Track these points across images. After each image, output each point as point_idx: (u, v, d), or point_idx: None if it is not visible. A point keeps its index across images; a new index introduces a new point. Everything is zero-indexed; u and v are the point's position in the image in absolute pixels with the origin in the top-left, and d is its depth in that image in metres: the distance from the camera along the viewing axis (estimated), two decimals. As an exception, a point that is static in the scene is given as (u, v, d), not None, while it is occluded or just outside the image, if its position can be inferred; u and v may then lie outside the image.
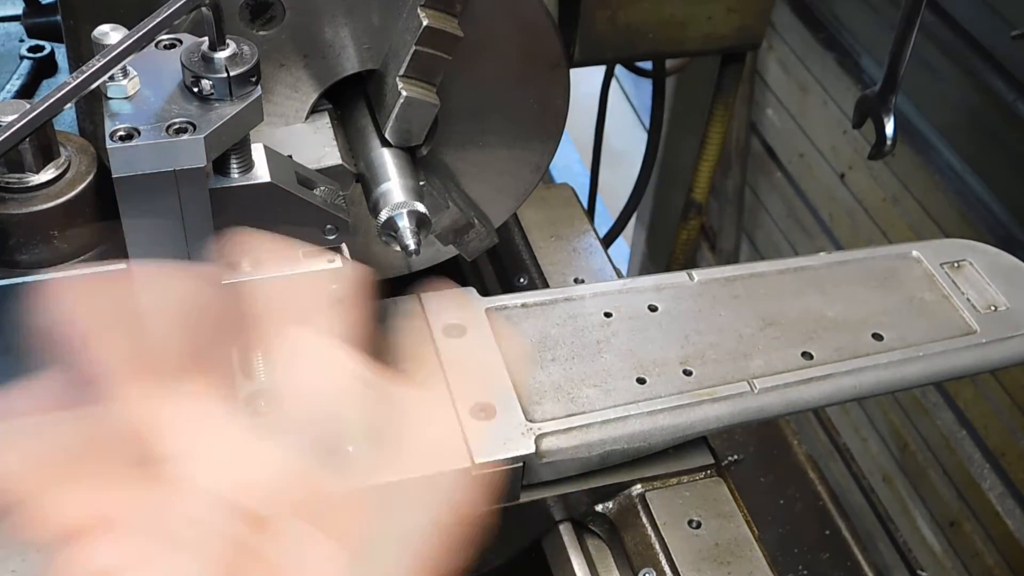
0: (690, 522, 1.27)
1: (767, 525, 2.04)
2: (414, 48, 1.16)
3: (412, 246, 1.12)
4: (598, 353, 1.34)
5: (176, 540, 0.64)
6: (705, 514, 1.28)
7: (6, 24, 1.70)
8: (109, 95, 0.94)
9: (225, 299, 0.76)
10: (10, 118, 0.92)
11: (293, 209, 1.04)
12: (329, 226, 1.07)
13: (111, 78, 0.93)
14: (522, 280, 1.58)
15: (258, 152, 1.03)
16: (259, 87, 0.97)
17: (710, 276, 1.46)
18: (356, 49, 1.21)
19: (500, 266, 1.64)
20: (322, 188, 1.09)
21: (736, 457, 1.53)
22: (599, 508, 1.32)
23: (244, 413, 0.90)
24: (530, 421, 1.25)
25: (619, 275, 1.60)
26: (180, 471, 0.66)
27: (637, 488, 1.31)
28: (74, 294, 0.72)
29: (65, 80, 0.90)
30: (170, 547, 0.64)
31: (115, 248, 1.05)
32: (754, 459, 2.18)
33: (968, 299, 1.46)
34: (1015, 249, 1.57)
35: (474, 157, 1.32)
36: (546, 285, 1.55)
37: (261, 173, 1.02)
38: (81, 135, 1.21)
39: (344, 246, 1.11)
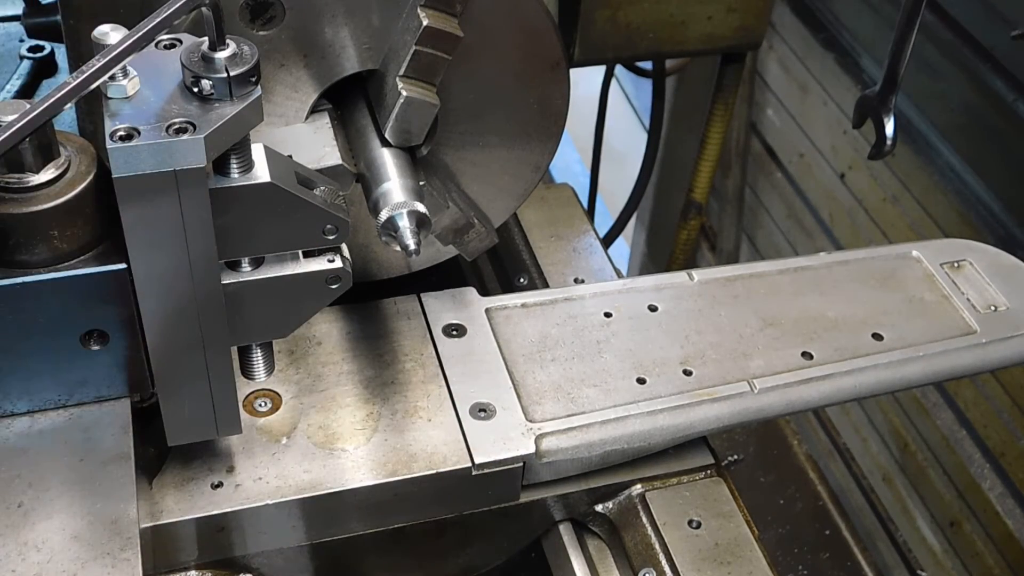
0: (690, 522, 1.27)
1: (767, 525, 2.04)
2: (414, 48, 1.16)
3: (412, 246, 1.12)
4: (598, 353, 1.35)
5: None
6: (705, 514, 1.28)
7: (6, 24, 1.70)
8: (109, 95, 0.94)
9: None
10: (10, 118, 0.92)
11: (293, 209, 1.04)
12: (329, 226, 1.07)
13: (111, 78, 0.93)
14: (522, 280, 1.58)
15: (258, 152, 1.03)
16: (259, 87, 0.97)
17: (710, 276, 1.46)
18: (356, 49, 1.21)
19: (500, 266, 1.64)
20: (322, 188, 1.09)
21: (736, 457, 1.53)
22: (599, 508, 1.32)
23: None
24: (530, 421, 1.26)
25: (619, 275, 1.60)
26: None
27: (637, 488, 1.31)
28: None
29: (65, 80, 0.90)
30: None
31: (115, 248, 1.05)
32: (754, 459, 2.18)
33: (968, 299, 1.46)
34: (1015, 249, 1.57)
35: (474, 157, 1.32)
36: (546, 285, 1.55)
37: (261, 173, 1.02)
38: (81, 135, 1.21)
39: (344, 246, 1.12)
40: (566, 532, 1.33)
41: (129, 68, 0.94)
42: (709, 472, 1.34)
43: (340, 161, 1.21)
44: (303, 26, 1.17)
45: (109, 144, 0.91)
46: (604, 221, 2.92)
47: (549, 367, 1.32)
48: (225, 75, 0.94)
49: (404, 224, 1.14)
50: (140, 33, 0.91)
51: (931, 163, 2.55)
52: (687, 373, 1.32)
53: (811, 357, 1.35)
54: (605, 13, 1.91)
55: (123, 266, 1.04)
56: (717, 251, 3.49)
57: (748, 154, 3.29)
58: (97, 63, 0.90)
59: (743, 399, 1.30)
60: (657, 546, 1.25)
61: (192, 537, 1.17)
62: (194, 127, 0.93)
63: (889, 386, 1.37)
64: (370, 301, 1.40)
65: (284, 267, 1.09)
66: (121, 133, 0.91)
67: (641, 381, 1.31)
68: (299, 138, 1.23)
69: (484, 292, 1.46)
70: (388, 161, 1.21)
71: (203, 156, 0.93)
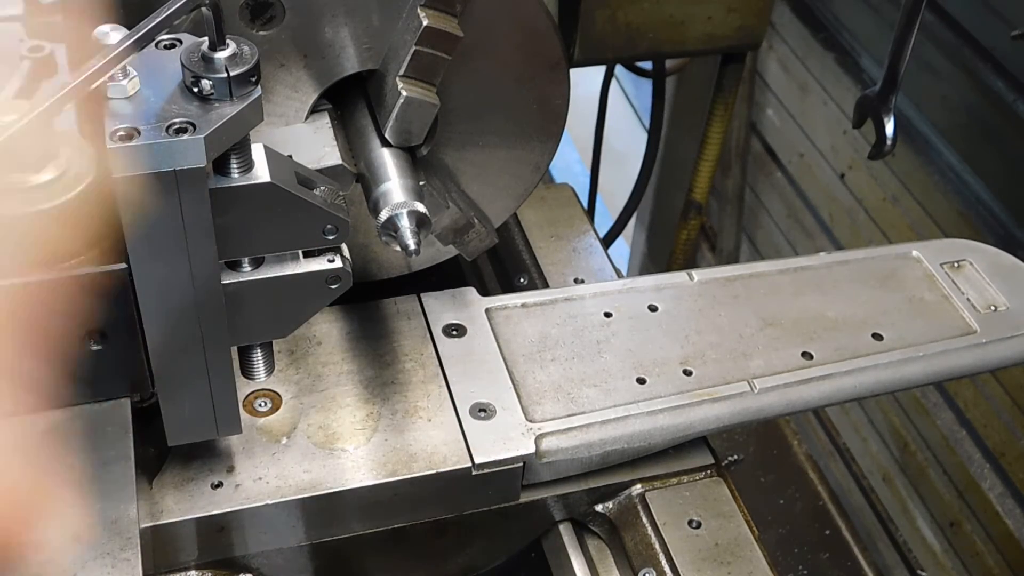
0: (690, 522, 1.27)
1: (767, 525, 2.04)
2: (414, 48, 1.16)
3: (412, 246, 1.12)
4: (598, 353, 1.34)
5: None
6: (705, 514, 1.28)
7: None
8: (109, 95, 0.94)
9: None
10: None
11: (293, 209, 1.04)
12: (329, 226, 1.07)
13: (111, 78, 0.93)
14: (522, 280, 1.58)
15: (258, 152, 1.03)
16: (259, 87, 0.97)
17: (710, 276, 1.46)
18: (356, 49, 1.21)
19: (500, 266, 1.64)
20: (322, 188, 1.09)
21: (736, 457, 1.53)
22: (599, 508, 1.32)
23: None
24: (530, 421, 1.26)
25: (619, 275, 1.60)
26: None
27: (637, 488, 1.31)
28: None
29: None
30: None
31: (114, 248, 1.05)
32: (754, 459, 2.18)
33: (968, 299, 1.46)
34: (1015, 249, 1.57)
35: (474, 157, 1.32)
36: (546, 285, 1.55)
37: (261, 173, 1.02)
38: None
39: (344, 246, 1.12)
40: (566, 532, 1.33)
41: (129, 68, 0.94)
42: (709, 472, 1.34)
43: (340, 161, 1.21)
44: (303, 26, 1.17)
45: (109, 144, 0.91)
46: (604, 221, 2.92)
47: (549, 367, 1.32)
48: (225, 75, 0.94)
49: (404, 224, 1.14)
50: (140, 33, 0.91)
51: (931, 163, 2.54)
52: (687, 373, 1.32)
53: (811, 357, 1.35)
54: (605, 13, 1.91)
55: (123, 266, 1.04)
56: (717, 251, 3.49)
57: (748, 154, 3.29)
58: (97, 63, 0.90)
59: (743, 399, 1.30)
60: (657, 546, 1.25)
61: (192, 537, 1.17)
62: (194, 127, 0.93)
63: (889, 386, 1.37)
64: (370, 301, 1.40)
65: (284, 267, 1.09)
66: (121, 133, 0.91)
67: (641, 381, 1.31)
68: (299, 138, 1.23)
69: (484, 292, 1.46)
70: (388, 161, 1.21)
71: (203, 156, 0.93)
